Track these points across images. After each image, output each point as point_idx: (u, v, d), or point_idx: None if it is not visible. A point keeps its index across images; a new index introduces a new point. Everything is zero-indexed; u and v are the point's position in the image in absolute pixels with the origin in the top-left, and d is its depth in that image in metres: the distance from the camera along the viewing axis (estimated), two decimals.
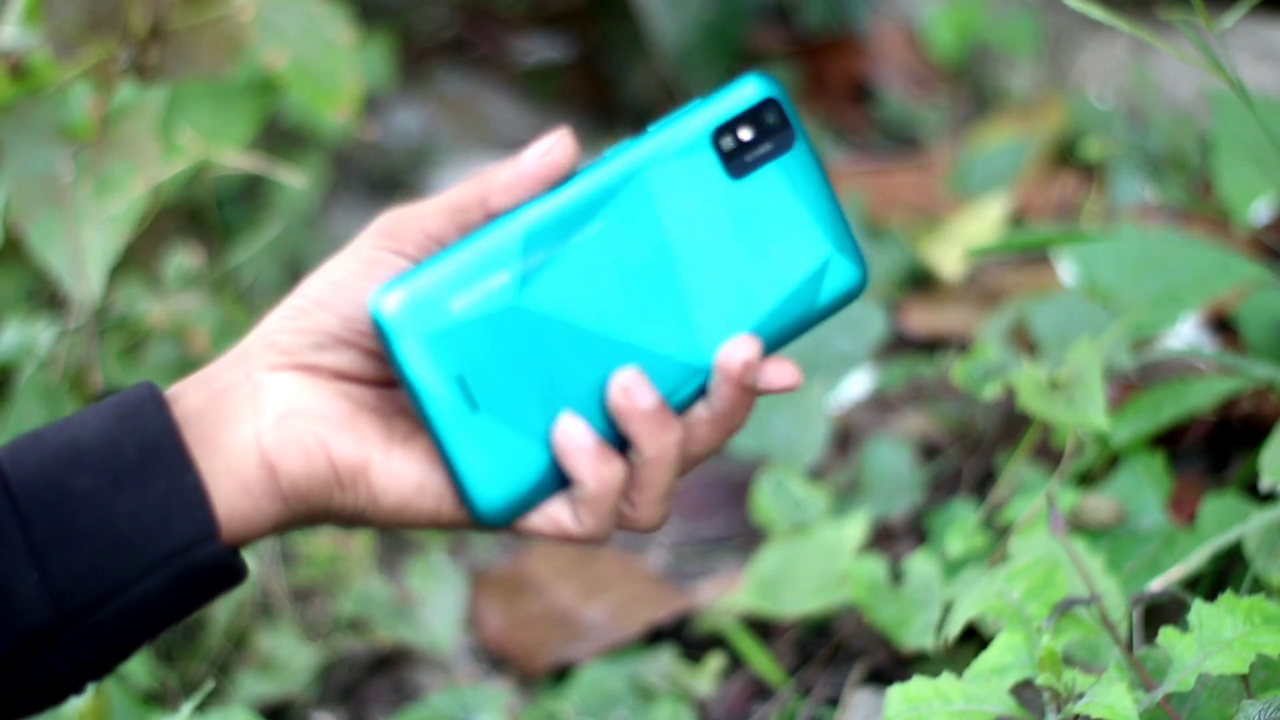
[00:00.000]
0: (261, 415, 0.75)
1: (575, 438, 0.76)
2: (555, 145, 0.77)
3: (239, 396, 0.75)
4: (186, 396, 0.76)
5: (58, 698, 0.74)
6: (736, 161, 0.78)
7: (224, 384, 0.76)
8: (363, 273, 0.76)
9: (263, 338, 0.77)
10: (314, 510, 0.76)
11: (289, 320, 0.77)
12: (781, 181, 0.79)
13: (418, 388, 0.75)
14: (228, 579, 0.75)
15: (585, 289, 0.77)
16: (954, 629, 0.98)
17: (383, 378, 0.78)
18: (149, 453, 0.73)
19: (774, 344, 0.79)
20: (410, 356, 0.75)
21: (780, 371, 0.79)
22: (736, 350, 0.77)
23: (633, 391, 0.76)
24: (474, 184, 0.78)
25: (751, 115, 0.79)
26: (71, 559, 0.72)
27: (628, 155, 0.77)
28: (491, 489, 0.76)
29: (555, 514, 0.77)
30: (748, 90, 0.79)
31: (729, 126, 0.78)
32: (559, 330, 0.76)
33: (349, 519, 0.77)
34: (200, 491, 0.73)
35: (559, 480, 0.77)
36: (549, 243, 0.76)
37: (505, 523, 0.77)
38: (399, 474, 0.76)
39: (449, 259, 0.75)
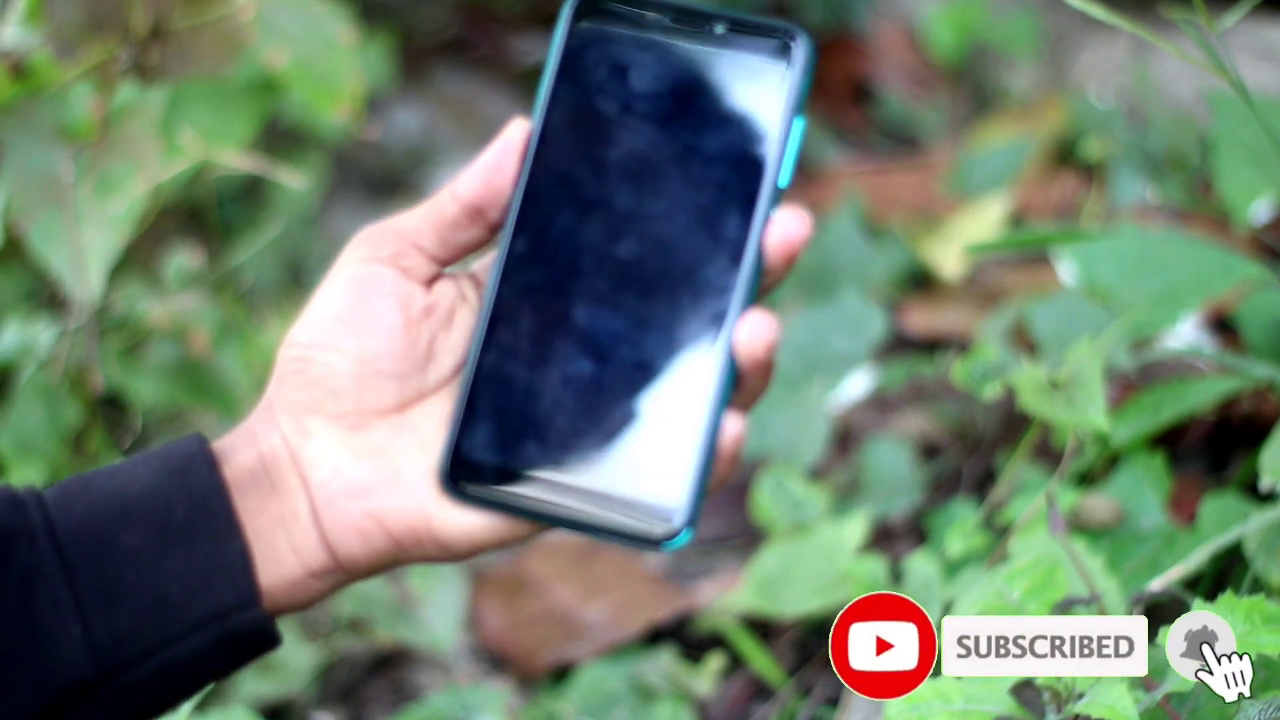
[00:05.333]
0: (311, 490, 0.74)
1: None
2: (511, 129, 0.75)
3: (283, 465, 0.75)
4: (236, 454, 0.75)
5: None
6: None
7: (268, 446, 0.75)
8: (353, 294, 0.74)
9: (279, 395, 0.75)
10: (381, 571, 0.76)
11: (295, 375, 0.74)
12: None
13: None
14: (263, 645, 0.74)
15: None
16: None
17: (407, 401, 0.75)
18: (197, 512, 0.73)
19: None
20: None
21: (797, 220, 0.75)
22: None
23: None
24: (440, 193, 0.76)
25: None
26: (115, 615, 0.71)
27: None
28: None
29: None
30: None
31: None
32: None
33: (423, 563, 0.77)
34: (245, 557, 0.73)
35: None
36: None
37: None
38: (462, 517, 0.75)
39: None
